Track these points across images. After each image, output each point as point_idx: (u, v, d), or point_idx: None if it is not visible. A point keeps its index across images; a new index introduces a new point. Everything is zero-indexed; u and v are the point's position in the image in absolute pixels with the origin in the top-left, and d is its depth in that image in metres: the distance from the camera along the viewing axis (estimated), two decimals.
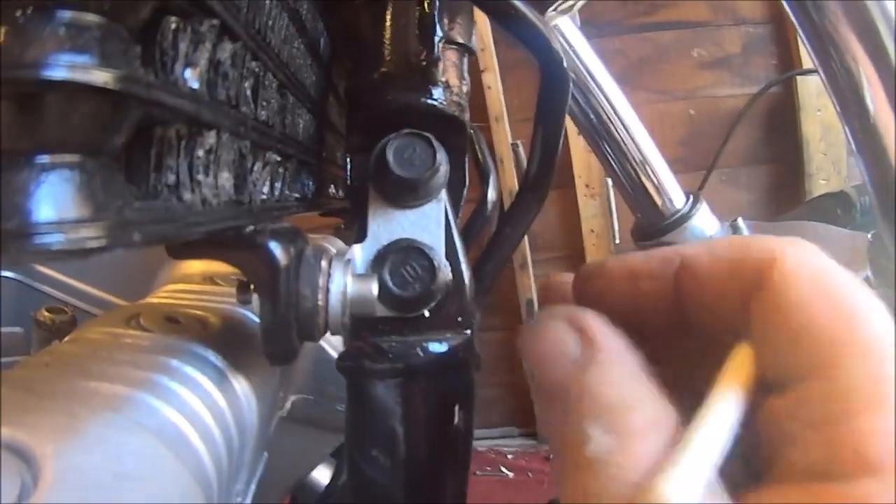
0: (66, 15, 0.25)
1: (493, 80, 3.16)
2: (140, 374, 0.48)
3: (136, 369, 0.49)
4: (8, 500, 0.32)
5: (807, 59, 3.13)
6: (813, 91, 3.16)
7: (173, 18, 0.34)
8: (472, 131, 1.06)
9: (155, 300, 0.74)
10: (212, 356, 0.55)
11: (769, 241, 0.35)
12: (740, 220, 1.27)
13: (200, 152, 0.37)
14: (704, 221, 1.26)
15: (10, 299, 1.08)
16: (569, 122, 2.59)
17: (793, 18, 0.75)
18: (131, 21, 0.30)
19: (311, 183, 0.70)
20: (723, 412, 0.33)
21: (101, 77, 0.26)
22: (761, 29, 3.28)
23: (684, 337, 0.40)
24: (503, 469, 3.31)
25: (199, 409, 0.49)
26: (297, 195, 0.63)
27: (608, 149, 1.29)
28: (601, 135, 1.28)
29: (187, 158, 0.36)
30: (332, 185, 0.85)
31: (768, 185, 3.36)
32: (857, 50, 0.72)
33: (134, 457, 0.39)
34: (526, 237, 3.28)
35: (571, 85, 0.85)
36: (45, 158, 0.26)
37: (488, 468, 3.29)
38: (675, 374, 0.37)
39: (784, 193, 3.31)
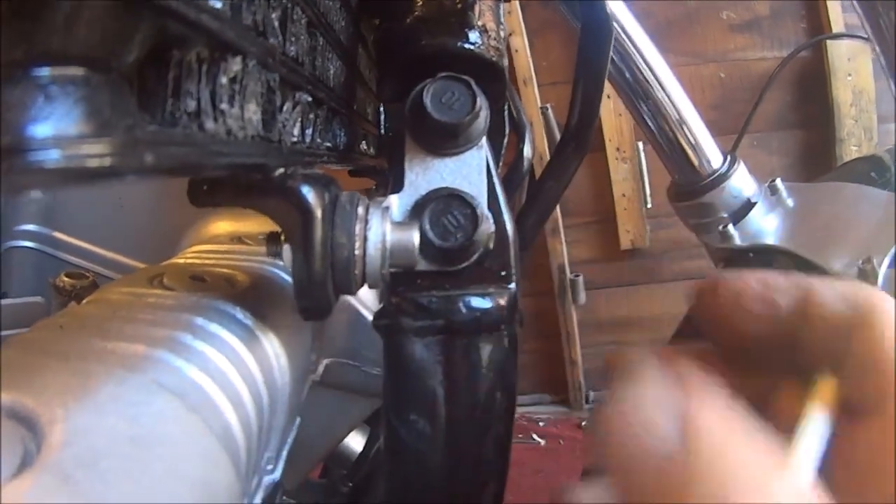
0: None
1: (520, 44, 3.12)
2: (162, 332, 0.45)
3: (158, 328, 0.45)
4: (8, 471, 0.28)
5: (836, 23, 3.08)
6: (843, 55, 3.10)
7: None
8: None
9: (181, 260, 0.70)
10: (240, 314, 0.52)
11: (869, 290, 0.39)
12: (779, 182, 1.23)
13: (224, 79, 0.33)
14: (742, 182, 1.23)
15: (30, 269, 1.07)
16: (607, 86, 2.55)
17: None
18: None
19: (342, 134, 0.67)
20: (814, 434, 0.36)
21: None
22: None
23: (781, 356, 0.42)
24: (535, 436, 3.29)
25: (226, 368, 0.45)
26: (328, 144, 0.60)
27: (644, 108, 1.25)
28: (637, 94, 1.24)
29: (209, 85, 0.32)
30: (364, 142, 0.82)
31: (800, 150, 3.32)
32: None
33: (152, 418, 0.36)
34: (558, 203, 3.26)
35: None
36: (44, 71, 0.22)
37: (520, 435, 3.27)
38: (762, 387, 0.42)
39: (815, 158, 3.27)
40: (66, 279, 0.82)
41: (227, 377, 0.45)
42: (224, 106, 0.34)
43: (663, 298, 3.40)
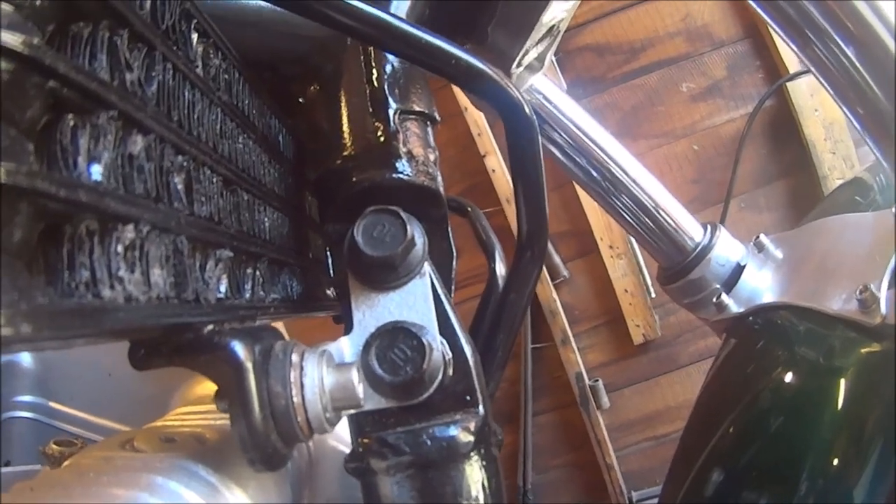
0: None
1: (496, 163, 3.14)
2: (120, 492, 0.46)
3: (118, 488, 0.46)
4: None
5: (792, 63, 3.08)
6: (805, 93, 3.07)
7: (70, 115, 0.33)
8: (470, 209, 1.03)
9: (158, 423, 0.71)
10: (202, 471, 0.52)
11: None
12: (763, 237, 1.21)
13: (119, 248, 0.34)
14: (727, 249, 1.22)
15: (27, 438, 1.11)
16: (580, 189, 2.56)
17: (771, 24, 0.72)
18: (21, 119, 0.29)
19: (294, 283, 0.67)
20: None
21: None
22: (740, 46, 3.24)
23: None
24: None
25: None
26: (276, 296, 0.59)
27: (618, 203, 1.25)
28: (608, 191, 1.24)
29: (104, 255, 0.33)
30: (333, 288, 0.82)
31: (788, 200, 3.28)
32: (839, 31, 0.69)
33: None
34: (562, 312, 3.26)
35: (558, 135, 0.83)
36: None
37: None
38: None
39: (804, 203, 3.22)
40: (54, 447, 0.83)
41: None
42: (122, 273, 0.34)
43: (686, 383, 3.36)
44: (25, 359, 1.15)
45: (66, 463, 0.57)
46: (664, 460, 3.39)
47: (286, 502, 0.67)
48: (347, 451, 0.82)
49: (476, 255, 1.04)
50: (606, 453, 3.35)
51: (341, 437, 0.85)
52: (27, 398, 1.14)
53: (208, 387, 0.90)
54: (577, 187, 3.00)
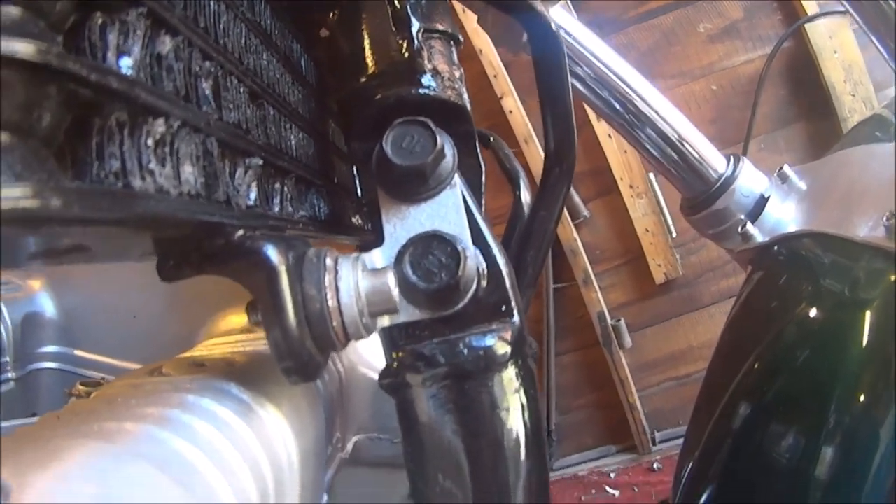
0: None
1: (513, 104, 3.12)
2: (150, 410, 0.45)
3: (148, 407, 0.46)
4: None
5: (809, 5, 3.03)
6: (825, 35, 3.02)
7: (99, 14, 0.32)
8: (492, 139, 1.03)
9: (186, 354, 0.71)
10: (235, 389, 0.52)
11: None
12: (786, 168, 1.20)
13: (150, 141, 0.34)
14: (751, 179, 1.20)
15: (54, 388, 1.10)
16: (599, 126, 2.54)
17: None
18: (52, 12, 0.29)
19: (321, 204, 0.66)
20: None
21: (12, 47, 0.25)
22: None
23: None
24: (608, 489, 3.22)
25: (215, 439, 0.45)
26: (303, 213, 0.59)
27: (641, 135, 1.24)
28: (632, 123, 1.23)
29: (134, 147, 0.33)
30: (358, 216, 0.81)
31: (807, 142, 3.23)
32: None
33: (127, 485, 0.36)
34: (583, 251, 3.24)
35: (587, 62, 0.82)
36: None
37: (593, 491, 3.21)
38: None
39: (824, 145, 3.16)
40: (81, 387, 0.83)
41: (214, 448, 0.44)
42: (153, 166, 0.34)
43: (708, 323, 3.35)
44: (48, 308, 1.15)
45: (93, 395, 0.57)
46: (687, 400, 3.39)
47: (319, 423, 0.66)
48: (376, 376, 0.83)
49: (498, 195, 1.03)
50: (629, 393, 3.36)
51: (372, 364, 0.85)
52: (52, 348, 1.13)
53: (234, 321, 0.90)
54: (596, 127, 2.98)
